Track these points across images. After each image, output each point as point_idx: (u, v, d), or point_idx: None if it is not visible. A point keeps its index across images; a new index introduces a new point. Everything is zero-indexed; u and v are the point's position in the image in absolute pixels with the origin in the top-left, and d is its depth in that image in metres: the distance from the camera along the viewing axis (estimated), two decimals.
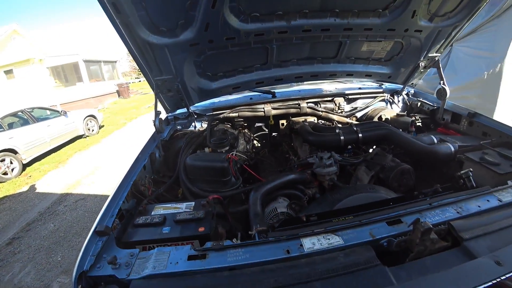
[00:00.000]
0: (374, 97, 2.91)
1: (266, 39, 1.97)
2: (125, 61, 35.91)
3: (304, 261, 0.99)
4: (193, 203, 1.43)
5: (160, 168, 2.15)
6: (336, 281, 0.92)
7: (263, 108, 2.61)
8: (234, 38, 1.87)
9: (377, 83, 3.03)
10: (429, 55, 2.41)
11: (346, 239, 1.06)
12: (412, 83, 2.87)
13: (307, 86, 3.07)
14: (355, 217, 1.23)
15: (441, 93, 2.36)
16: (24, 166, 7.36)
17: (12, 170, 6.94)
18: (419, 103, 2.78)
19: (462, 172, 1.66)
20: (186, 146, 2.16)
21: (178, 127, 2.63)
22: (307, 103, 2.67)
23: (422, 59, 2.44)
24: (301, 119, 2.60)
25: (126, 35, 1.59)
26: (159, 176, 2.05)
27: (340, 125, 2.54)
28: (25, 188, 6.34)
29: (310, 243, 1.04)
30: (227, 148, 2.13)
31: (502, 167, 1.55)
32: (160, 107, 2.28)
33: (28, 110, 8.01)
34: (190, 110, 2.54)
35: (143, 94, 21.97)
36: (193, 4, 1.55)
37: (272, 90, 2.69)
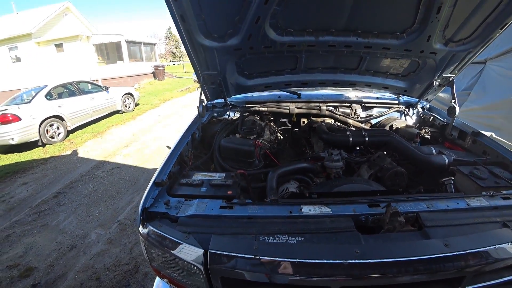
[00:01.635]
0: (389, 107, 3.08)
1: (296, 49, 2.25)
2: (162, 44, 36.92)
3: (301, 220, 1.30)
4: (224, 174, 1.78)
5: (198, 146, 2.50)
6: (321, 235, 1.23)
7: (288, 107, 2.90)
8: (271, 47, 2.18)
9: (394, 94, 3.17)
10: (444, 75, 2.53)
11: (334, 211, 1.34)
12: (427, 98, 3.00)
13: (330, 91, 3.28)
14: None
15: (451, 111, 2.46)
16: (68, 133, 8.10)
17: (58, 135, 7.71)
18: (431, 118, 2.89)
19: (444, 179, 1.84)
20: (221, 131, 2.52)
21: (215, 114, 2.96)
22: (327, 106, 2.92)
23: (436, 78, 2.56)
24: (319, 119, 2.87)
25: (186, 38, 1.96)
26: (197, 152, 2.40)
27: (353, 129, 2.85)
28: (68, 152, 7.01)
29: (307, 209, 1.35)
30: (255, 136, 2.45)
31: (487, 182, 1.68)
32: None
33: (76, 83, 8.77)
34: (227, 101, 2.87)
35: (177, 77, 22.71)
36: (241, 19, 1.90)
37: (298, 92, 2.96)
